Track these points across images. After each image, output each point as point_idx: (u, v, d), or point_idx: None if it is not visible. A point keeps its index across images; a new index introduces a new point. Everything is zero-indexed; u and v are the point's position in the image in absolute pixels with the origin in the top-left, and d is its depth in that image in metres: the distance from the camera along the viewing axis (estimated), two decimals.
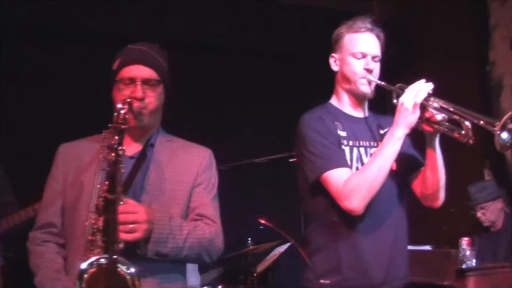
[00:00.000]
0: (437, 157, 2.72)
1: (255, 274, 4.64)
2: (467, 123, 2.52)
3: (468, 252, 4.06)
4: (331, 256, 2.71)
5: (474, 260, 4.05)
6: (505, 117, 2.40)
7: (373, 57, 2.80)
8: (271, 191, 5.67)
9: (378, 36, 2.84)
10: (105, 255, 2.07)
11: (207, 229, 2.46)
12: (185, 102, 5.38)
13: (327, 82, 2.99)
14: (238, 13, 5.79)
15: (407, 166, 2.85)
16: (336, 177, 2.64)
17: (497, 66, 5.85)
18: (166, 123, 2.64)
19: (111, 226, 2.10)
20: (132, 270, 2.08)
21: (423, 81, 2.63)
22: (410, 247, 4.42)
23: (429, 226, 5.70)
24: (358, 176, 2.63)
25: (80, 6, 5.26)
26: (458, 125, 2.57)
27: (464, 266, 4.02)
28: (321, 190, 2.70)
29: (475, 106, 5.85)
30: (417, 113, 2.59)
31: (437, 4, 6.16)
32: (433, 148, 2.71)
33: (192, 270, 4.77)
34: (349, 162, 2.73)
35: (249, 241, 4.68)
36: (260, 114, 5.79)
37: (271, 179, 5.55)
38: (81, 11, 5.28)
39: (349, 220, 2.67)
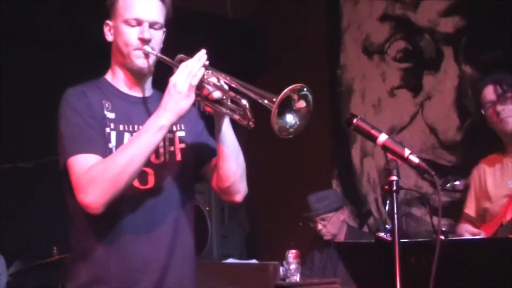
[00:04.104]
0: (229, 142, 2.32)
1: None
2: (244, 101, 2.12)
3: (293, 266, 3.63)
4: (94, 263, 2.26)
5: (298, 275, 3.62)
6: (285, 91, 1.99)
7: (152, 24, 2.34)
8: None
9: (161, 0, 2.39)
10: None
11: None
12: None
13: None
14: None
15: (196, 157, 2.43)
16: (79, 163, 2.18)
17: (347, 69, 5.62)
18: None
19: None
20: None
21: (202, 53, 2.19)
22: (234, 261, 4.05)
23: (278, 241, 5.32)
24: (102, 165, 2.17)
25: None
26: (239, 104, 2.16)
27: (286, 281, 3.59)
28: None
29: (324, 110, 5.69)
30: (192, 97, 2.17)
31: (292, 9, 5.92)
32: (223, 132, 2.30)
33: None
34: (114, 149, 2.26)
35: (55, 250, 4.18)
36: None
37: None
38: None
39: (114, 220, 2.23)
